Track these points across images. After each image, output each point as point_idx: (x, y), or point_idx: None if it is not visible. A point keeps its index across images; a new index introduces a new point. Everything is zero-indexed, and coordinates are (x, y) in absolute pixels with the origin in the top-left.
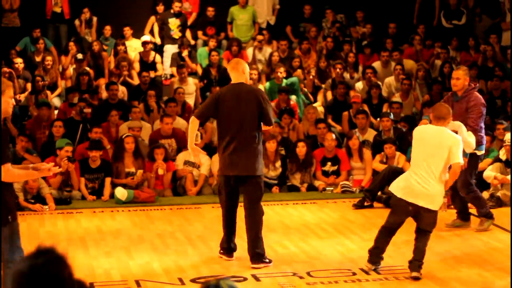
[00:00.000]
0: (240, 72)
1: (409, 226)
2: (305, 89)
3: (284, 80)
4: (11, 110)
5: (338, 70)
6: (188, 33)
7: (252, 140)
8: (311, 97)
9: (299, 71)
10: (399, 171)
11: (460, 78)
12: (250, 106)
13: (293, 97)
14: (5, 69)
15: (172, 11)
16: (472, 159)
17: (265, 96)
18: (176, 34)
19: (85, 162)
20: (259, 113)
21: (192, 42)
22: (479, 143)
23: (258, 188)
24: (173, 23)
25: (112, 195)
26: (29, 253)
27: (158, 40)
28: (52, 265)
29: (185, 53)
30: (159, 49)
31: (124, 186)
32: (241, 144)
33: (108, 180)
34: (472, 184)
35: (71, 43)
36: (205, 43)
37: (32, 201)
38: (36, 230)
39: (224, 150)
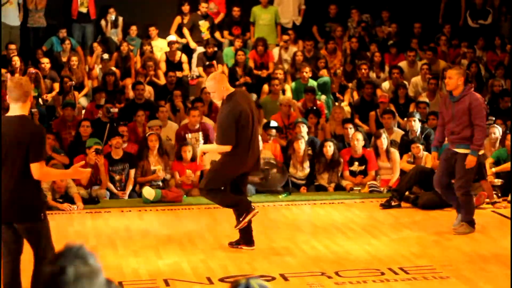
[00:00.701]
0: None
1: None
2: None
3: (311, 80)
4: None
5: (363, 70)
6: (217, 34)
7: None
8: (340, 97)
9: (324, 70)
10: (427, 171)
11: (452, 77)
12: None
13: (323, 97)
14: (31, 70)
15: (199, 12)
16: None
17: None
18: (206, 35)
19: (108, 155)
20: None
21: (222, 40)
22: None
23: None
24: (203, 25)
25: (134, 189)
26: (58, 252)
27: (193, 44)
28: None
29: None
30: (185, 49)
31: (152, 185)
32: None
33: (132, 172)
34: (471, 186)
35: (95, 44)
36: (231, 43)
37: (60, 200)
38: (65, 229)
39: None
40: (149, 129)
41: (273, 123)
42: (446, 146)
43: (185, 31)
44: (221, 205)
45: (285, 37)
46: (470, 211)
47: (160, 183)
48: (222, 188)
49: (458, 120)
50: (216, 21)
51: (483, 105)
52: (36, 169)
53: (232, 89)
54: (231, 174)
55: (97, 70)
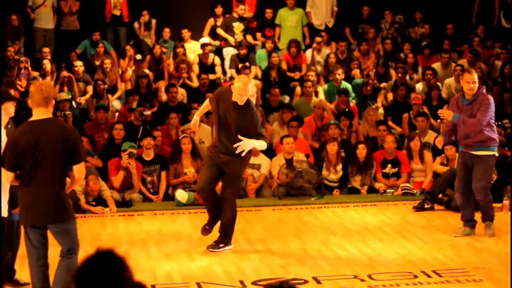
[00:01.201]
0: None
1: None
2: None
3: (344, 82)
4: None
5: (399, 74)
6: (249, 36)
7: None
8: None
9: (356, 71)
10: None
11: (476, 81)
12: None
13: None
14: (64, 73)
15: (235, 15)
16: (491, 160)
17: None
18: (240, 38)
19: (139, 156)
20: None
21: (255, 42)
22: (494, 143)
23: None
24: (238, 27)
25: (166, 192)
26: (89, 255)
27: (231, 40)
28: (112, 267)
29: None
30: (218, 52)
31: (184, 188)
32: None
33: (164, 174)
34: (489, 188)
35: (128, 47)
36: (264, 45)
37: (94, 203)
38: (98, 232)
39: None
40: (182, 132)
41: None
42: (461, 149)
43: (220, 31)
44: (233, 220)
45: (318, 39)
46: (492, 209)
47: (193, 186)
48: None
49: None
50: (252, 23)
51: (492, 105)
52: (80, 170)
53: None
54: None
55: (130, 72)
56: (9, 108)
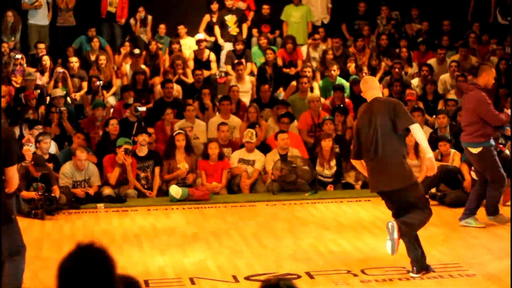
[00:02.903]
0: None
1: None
2: None
3: (339, 78)
4: None
5: (397, 69)
6: (244, 30)
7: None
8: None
9: (352, 65)
10: (454, 170)
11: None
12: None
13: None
14: (58, 69)
15: (227, 8)
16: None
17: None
18: (233, 30)
19: (133, 153)
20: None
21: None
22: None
23: None
24: (230, 19)
25: (160, 187)
26: (70, 251)
27: (221, 41)
28: (97, 260)
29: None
30: (214, 47)
31: (178, 184)
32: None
33: (157, 170)
34: None
35: (127, 43)
36: (259, 42)
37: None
38: (92, 228)
39: None
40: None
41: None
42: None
43: (216, 29)
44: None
45: (316, 36)
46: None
47: (186, 181)
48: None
49: None
50: (249, 18)
51: None
52: (11, 173)
53: (371, 98)
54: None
55: (126, 67)
56: None
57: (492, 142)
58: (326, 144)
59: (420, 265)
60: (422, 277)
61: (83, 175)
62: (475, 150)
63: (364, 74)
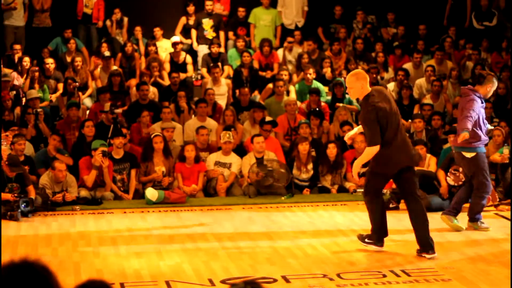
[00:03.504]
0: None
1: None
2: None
3: (315, 81)
4: None
5: (373, 74)
6: (221, 36)
7: None
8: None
9: (328, 70)
10: (430, 176)
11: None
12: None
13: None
14: (33, 68)
15: (205, 11)
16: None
17: None
18: (209, 34)
19: (108, 153)
20: None
21: (232, 38)
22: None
23: None
24: (207, 23)
25: (137, 189)
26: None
27: (195, 45)
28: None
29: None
30: (191, 50)
31: (155, 186)
32: None
33: (133, 172)
34: None
35: (105, 44)
36: (236, 44)
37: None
38: (67, 230)
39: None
40: (163, 130)
41: (268, 118)
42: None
43: (193, 33)
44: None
45: (290, 39)
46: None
47: (163, 184)
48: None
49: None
50: (225, 20)
51: None
52: None
53: (369, 89)
54: (384, 175)
55: (98, 69)
56: None
57: (484, 149)
58: (303, 147)
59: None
60: (397, 281)
61: (61, 186)
62: (468, 155)
63: (343, 78)
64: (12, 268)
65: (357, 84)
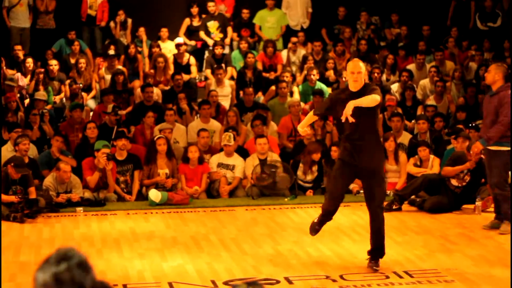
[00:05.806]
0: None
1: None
2: None
3: (318, 82)
4: None
5: (376, 74)
6: (229, 32)
7: None
8: None
9: (331, 71)
10: (435, 180)
11: (491, 71)
12: None
13: None
14: (39, 70)
15: (209, 14)
16: (505, 155)
17: None
18: (217, 36)
19: (112, 156)
20: None
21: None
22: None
23: None
24: (212, 25)
25: (140, 191)
26: (49, 257)
27: (210, 42)
28: (76, 270)
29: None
30: (196, 51)
31: (158, 188)
32: None
33: (136, 174)
34: (506, 184)
35: (112, 46)
36: (239, 46)
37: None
38: (71, 232)
39: None
40: (161, 132)
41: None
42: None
43: (202, 34)
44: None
45: (294, 39)
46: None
47: (166, 186)
48: None
49: (486, 116)
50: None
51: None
52: None
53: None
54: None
55: (103, 69)
56: None
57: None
58: (317, 156)
59: None
60: (400, 282)
61: (65, 187)
62: (498, 148)
63: (344, 79)
64: None
65: (364, 70)
